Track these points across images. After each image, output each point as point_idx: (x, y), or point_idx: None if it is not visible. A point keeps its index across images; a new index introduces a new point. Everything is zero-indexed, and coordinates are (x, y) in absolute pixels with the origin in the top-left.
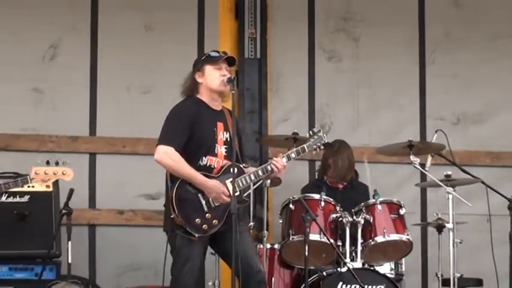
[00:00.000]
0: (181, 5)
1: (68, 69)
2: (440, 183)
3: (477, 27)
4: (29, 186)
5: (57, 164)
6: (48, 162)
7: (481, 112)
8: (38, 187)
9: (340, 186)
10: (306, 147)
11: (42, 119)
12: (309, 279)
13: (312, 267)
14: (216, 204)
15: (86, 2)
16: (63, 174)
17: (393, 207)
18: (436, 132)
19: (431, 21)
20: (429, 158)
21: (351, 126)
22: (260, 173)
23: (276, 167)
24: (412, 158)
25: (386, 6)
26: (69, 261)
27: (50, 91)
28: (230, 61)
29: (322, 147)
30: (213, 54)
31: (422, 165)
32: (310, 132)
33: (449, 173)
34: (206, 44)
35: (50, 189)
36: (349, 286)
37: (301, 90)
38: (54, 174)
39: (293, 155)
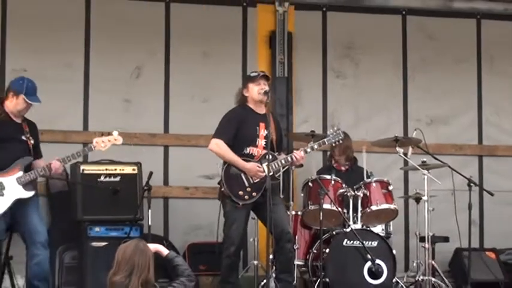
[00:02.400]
0: (230, 37)
1: (148, 84)
2: (418, 167)
3: (445, 54)
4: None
5: (109, 134)
6: (102, 134)
7: (448, 115)
8: (127, 170)
9: (343, 169)
10: (326, 141)
11: (129, 120)
12: (323, 237)
13: (325, 228)
14: (255, 181)
15: (161, 34)
16: (115, 140)
17: (384, 184)
18: (415, 130)
19: (411, 50)
20: (410, 149)
21: (353, 126)
22: (286, 161)
23: (296, 158)
24: (397, 149)
25: (378, 39)
26: (149, 223)
27: (135, 100)
28: (266, 77)
29: (339, 141)
30: (253, 74)
31: (405, 154)
32: (331, 129)
33: (425, 160)
34: (248, 66)
35: (136, 171)
36: (351, 242)
37: (316, 100)
38: (109, 141)
39: (309, 150)
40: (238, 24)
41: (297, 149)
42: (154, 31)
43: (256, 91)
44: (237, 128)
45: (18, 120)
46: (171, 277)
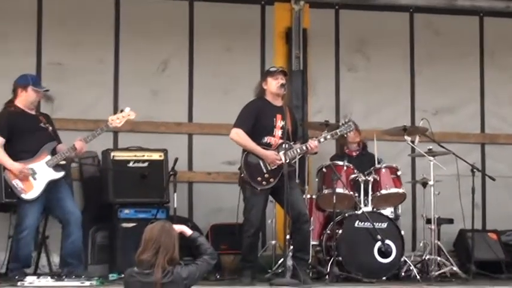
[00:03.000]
0: (249, 33)
1: (173, 77)
2: (424, 154)
3: (449, 48)
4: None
5: (122, 111)
6: (122, 111)
7: (452, 106)
8: (154, 156)
9: (354, 154)
10: (338, 132)
11: (156, 111)
12: (336, 218)
13: (338, 211)
14: (273, 167)
15: (185, 30)
16: (128, 115)
17: (393, 170)
18: (422, 119)
19: (418, 45)
20: (417, 137)
21: (364, 116)
22: (301, 149)
23: (310, 147)
24: (405, 137)
25: (387, 35)
26: (175, 206)
27: (161, 92)
28: (284, 73)
29: (351, 133)
30: (272, 69)
31: (413, 142)
32: (343, 121)
33: (431, 147)
34: (266, 60)
35: (162, 158)
36: (363, 223)
37: (330, 91)
38: (123, 117)
39: (322, 139)
40: (257, 21)
41: (312, 138)
42: (179, 28)
43: (274, 85)
44: (255, 119)
45: (33, 113)
46: (195, 256)
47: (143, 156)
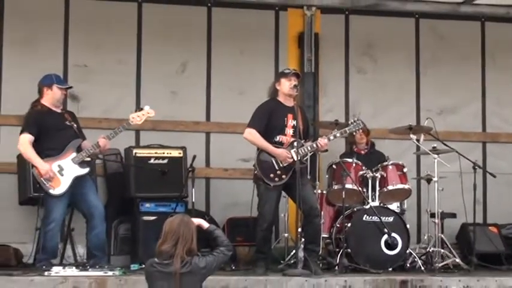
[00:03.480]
0: (264, 37)
1: (192, 78)
2: (429, 152)
3: (453, 51)
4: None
5: (141, 109)
6: (142, 109)
7: (455, 106)
8: (174, 154)
9: (363, 152)
10: (347, 130)
11: (176, 110)
12: (345, 212)
13: (347, 205)
14: (284, 165)
15: (203, 34)
16: (148, 113)
17: (399, 167)
18: (426, 119)
19: (423, 48)
20: (422, 136)
21: (372, 116)
22: (311, 147)
23: (320, 144)
24: (411, 136)
25: (394, 38)
26: (193, 200)
27: (180, 92)
28: (297, 75)
29: (360, 130)
30: (286, 71)
31: (418, 140)
32: (351, 119)
33: (435, 145)
34: (280, 63)
35: (181, 155)
36: (370, 217)
37: (339, 92)
38: (143, 115)
39: (331, 137)
40: (271, 26)
41: (321, 136)
42: (197, 32)
43: (287, 86)
44: (268, 119)
45: (59, 111)
46: (212, 247)
47: (163, 153)
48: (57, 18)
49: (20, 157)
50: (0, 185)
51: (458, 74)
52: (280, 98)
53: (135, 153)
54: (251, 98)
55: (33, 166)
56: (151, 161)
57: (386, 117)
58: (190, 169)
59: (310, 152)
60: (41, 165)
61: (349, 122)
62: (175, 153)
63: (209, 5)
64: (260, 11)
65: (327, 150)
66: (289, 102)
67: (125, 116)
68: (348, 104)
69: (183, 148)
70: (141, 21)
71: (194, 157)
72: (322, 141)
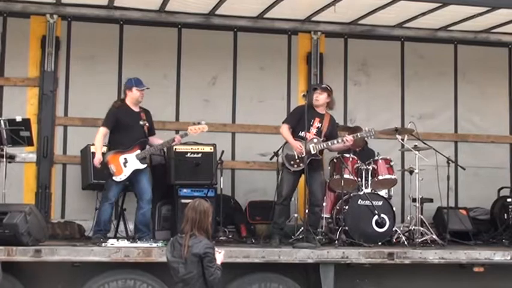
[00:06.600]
0: (279, 56)
1: (221, 89)
2: (411, 149)
3: (432, 68)
4: (198, 149)
5: (199, 123)
6: (198, 123)
7: (433, 112)
8: (206, 149)
9: (358, 150)
10: (358, 134)
11: (208, 114)
12: (344, 197)
13: (345, 191)
14: (301, 156)
15: (230, 54)
16: (203, 128)
17: (387, 161)
18: (409, 123)
19: (407, 66)
20: (406, 136)
21: (366, 120)
22: (338, 142)
23: (347, 139)
24: (397, 136)
25: (383, 58)
26: (221, 187)
27: (212, 100)
28: (320, 89)
29: (371, 137)
30: (313, 87)
31: (402, 140)
32: (366, 128)
33: (416, 144)
34: (292, 77)
35: (212, 150)
36: (364, 201)
37: (339, 101)
38: (199, 129)
39: (355, 136)
40: (284, 47)
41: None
42: (226, 51)
43: (314, 98)
44: (298, 119)
45: (136, 109)
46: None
47: (197, 149)
48: (113, 40)
49: (83, 151)
50: (67, 174)
51: (435, 87)
52: (312, 105)
53: (175, 148)
54: (268, 105)
55: (95, 156)
56: (188, 155)
57: (377, 121)
58: (219, 162)
59: (336, 148)
60: (97, 155)
61: (364, 130)
62: (207, 149)
63: (235, 30)
64: (276, 35)
65: (349, 148)
66: (320, 110)
67: (167, 119)
68: (346, 110)
69: (214, 145)
70: (181, 42)
71: (222, 152)
72: (348, 137)
